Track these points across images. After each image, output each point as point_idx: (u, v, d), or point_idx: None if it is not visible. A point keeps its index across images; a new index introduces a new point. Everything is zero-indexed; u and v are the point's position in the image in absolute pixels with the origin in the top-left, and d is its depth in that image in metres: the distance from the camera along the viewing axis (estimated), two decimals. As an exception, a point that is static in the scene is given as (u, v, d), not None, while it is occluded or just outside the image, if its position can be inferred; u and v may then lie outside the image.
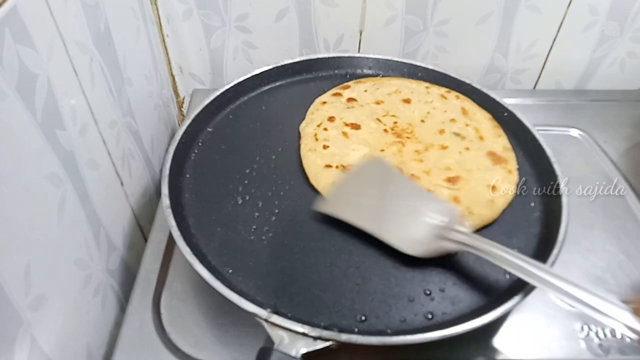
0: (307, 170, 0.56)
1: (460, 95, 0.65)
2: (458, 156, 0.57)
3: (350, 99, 0.65)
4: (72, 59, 0.45)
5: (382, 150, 0.57)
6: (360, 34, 0.76)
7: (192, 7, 0.73)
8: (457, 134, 0.59)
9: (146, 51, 0.67)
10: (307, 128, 0.61)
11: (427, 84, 0.67)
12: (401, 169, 0.55)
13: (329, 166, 0.55)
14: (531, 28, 0.76)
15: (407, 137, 0.59)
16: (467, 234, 0.45)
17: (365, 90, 0.66)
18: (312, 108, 0.64)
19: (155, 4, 0.71)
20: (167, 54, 0.77)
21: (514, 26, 0.75)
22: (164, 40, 0.75)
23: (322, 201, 0.51)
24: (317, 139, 0.59)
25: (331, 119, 0.61)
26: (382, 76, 0.70)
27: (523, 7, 0.73)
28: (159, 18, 0.72)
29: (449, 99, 0.64)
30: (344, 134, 0.59)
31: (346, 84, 0.67)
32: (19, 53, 0.36)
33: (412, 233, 0.47)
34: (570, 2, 0.72)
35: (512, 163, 0.56)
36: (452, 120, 0.61)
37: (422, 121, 0.62)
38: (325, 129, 0.60)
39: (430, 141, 0.59)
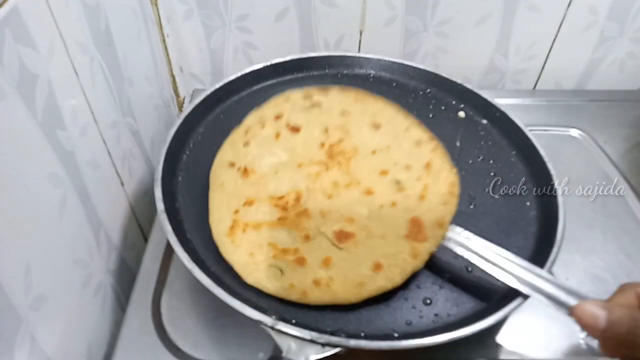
0: (213, 164, 0.51)
1: (439, 150, 0.53)
2: (376, 209, 0.47)
3: (316, 104, 0.56)
4: (72, 59, 0.45)
5: (299, 166, 0.49)
6: (361, 34, 0.76)
7: (193, 8, 0.73)
8: (397, 182, 0.49)
9: (146, 51, 0.67)
10: (248, 119, 0.55)
11: (416, 121, 0.55)
12: (300, 195, 0.47)
13: (232, 165, 0.49)
14: (531, 28, 0.75)
15: (338, 163, 0.50)
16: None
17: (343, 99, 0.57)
18: (274, 100, 0.57)
19: (156, 5, 0.71)
20: (168, 54, 0.77)
21: (514, 26, 0.75)
22: (164, 41, 0.75)
23: None
24: (246, 133, 0.53)
25: (278, 116, 0.54)
26: (373, 76, 0.67)
27: (523, 8, 0.73)
28: (160, 18, 0.72)
29: (423, 146, 0.53)
30: (277, 135, 0.52)
31: (333, 87, 0.59)
32: (19, 53, 0.36)
33: None
34: (570, 2, 0.72)
35: (429, 245, 0.44)
36: (408, 167, 0.50)
37: (374, 152, 0.52)
38: (262, 126, 0.53)
39: (360, 178, 0.49)
